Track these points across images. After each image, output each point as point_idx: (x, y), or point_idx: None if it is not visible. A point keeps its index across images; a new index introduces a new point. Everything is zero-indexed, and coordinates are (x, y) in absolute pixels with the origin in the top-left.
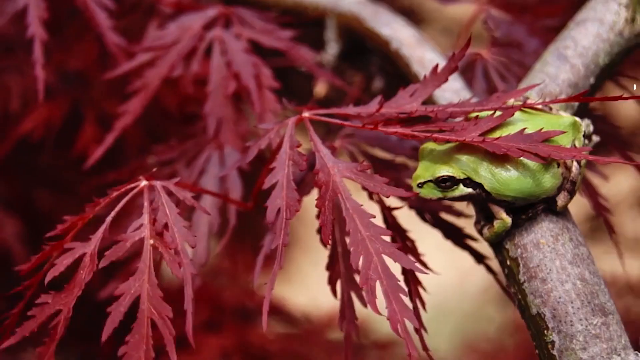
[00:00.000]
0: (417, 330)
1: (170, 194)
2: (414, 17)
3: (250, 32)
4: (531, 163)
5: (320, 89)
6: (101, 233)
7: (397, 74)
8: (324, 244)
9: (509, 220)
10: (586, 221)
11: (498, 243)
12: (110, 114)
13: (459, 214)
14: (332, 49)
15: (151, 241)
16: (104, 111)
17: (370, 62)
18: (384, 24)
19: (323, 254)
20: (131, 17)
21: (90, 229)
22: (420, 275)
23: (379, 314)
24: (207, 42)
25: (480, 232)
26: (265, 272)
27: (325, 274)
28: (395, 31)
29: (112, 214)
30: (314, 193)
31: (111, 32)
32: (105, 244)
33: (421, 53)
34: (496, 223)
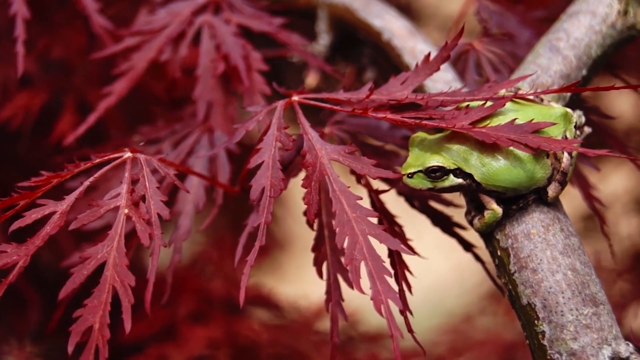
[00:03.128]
0: (402, 313)
1: (154, 170)
2: (409, 13)
3: (240, 18)
4: (522, 154)
5: (311, 80)
6: (76, 194)
7: (389, 65)
8: (310, 224)
9: (499, 210)
10: (579, 221)
11: (489, 233)
12: (91, 101)
13: (448, 202)
14: (323, 40)
15: (126, 210)
16: (85, 99)
17: (361, 53)
18: (376, 15)
19: None
20: (120, 4)
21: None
22: (416, 272)
23: (363, 293)
24: (196, 26)
25: (470, 222)
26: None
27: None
28: (387, 22)
29: (90, 179)
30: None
31: (97, 15)
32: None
33: (413, 44)
34: (487, 214)
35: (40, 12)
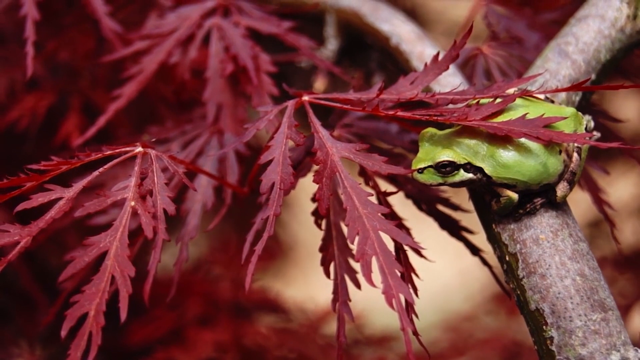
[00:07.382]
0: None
1: (164, 168)
2: (415, 19)
3: (249, 20)
4: (534, 146)
5: (320, 85)
6: (84, 182)
7: (397, 70)
8: (318, 223)
9: (515, 195)
10: (584, 228)
11: (499, 239)
12: (97, 103)
13: (455, 207)
14: (331, 45)
15: (132, 203)
16: (91, 101)
17: (369, 58)
18: (384, 20)
19: None
20: (129, 9)
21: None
22: (424, 277)
23: (374, 286)
24: (205, 29)
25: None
26: (259, 267)
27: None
28: (395, 27)
29: (100, 169)
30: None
31: (107, 18)
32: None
33: (421, 48)
34: (502, 199)
35: (49, 15)
